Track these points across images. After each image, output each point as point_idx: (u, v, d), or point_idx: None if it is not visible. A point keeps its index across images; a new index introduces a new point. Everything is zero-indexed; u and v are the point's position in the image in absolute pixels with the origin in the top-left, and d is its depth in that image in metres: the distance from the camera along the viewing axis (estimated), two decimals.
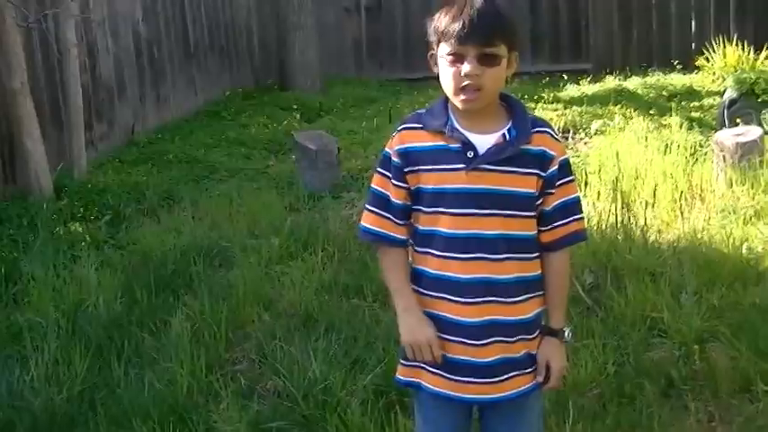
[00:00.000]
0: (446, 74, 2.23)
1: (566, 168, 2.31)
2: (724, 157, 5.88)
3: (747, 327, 3.82)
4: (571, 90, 9.92)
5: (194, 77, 10.08)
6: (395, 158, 2.31)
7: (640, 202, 5.41)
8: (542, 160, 2.26)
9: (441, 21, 2.22)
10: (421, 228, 2.31)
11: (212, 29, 10.63)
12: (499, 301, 2.26)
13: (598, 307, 4.21)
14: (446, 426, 2.39)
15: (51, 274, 4.70)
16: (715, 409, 3.41)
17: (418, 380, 2.36)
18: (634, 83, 9.97)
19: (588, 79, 10.49)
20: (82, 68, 7.13)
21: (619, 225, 4.99)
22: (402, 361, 2.40)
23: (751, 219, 5.17)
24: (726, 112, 7.42)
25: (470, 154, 2.23)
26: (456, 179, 2.23)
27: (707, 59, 9.54)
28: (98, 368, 3.87)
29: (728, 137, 6.03)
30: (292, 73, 11.03)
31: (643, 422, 3.30)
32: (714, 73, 9.43)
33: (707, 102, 8.88)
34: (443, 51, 2.22)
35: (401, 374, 2.41)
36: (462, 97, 2.21)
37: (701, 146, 6.87)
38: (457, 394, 2.31)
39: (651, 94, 9.44)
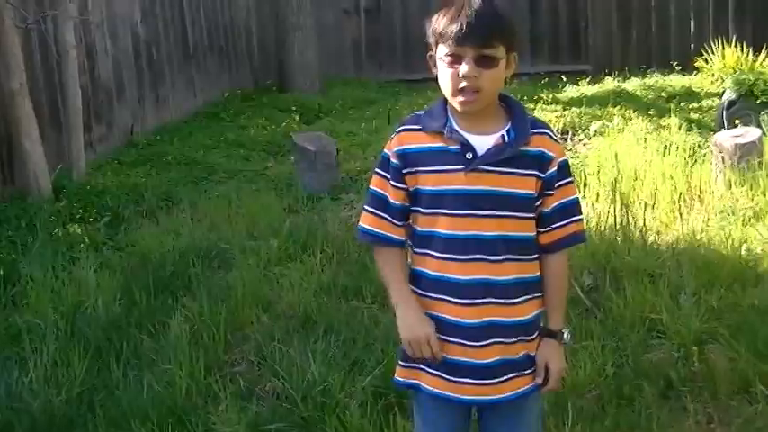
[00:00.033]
0: (444, 75, 2.23)
1: (565, 170, 2.31)
2: (723, 158, 5.88)
3: (746, 328, 3.82)
4: (570, 91, 9.92)
5: (193, 79, 10.07)
6: (393, 160, 2.31)
7: (639, 204, 5.42)
8: (541, 161, 2.26)
9: (439, 22, 2.22)
10: (420, 229, 2.31)
11: (211, 30, 10.63)
12: (498, 303, 2.26)
13: (597, 308, 4.21)
14: (445, 427, 2.39)
15: (50, 276, 4.70)
16: (714, 411, 3.41)
17: (417, 381, 2.36)
18: (633, 84, 9.97)
19: (587, 80, 10.49)
20: (81, 70, 7.13)
21: (618, 226, 4.99)
22: (401, 362, 2.40)
23: (750, 220, 5.17)
24: (725, 113, 7.43)
25: (469, 155, 2.23)
26: (455, 180, 2.23)
27: (706, 61, 9.54)
28: (97, 370, 3.87)
29: (727, 138, 6.03)
30: (291, 74, 11.03)
31: (642, 423, 3.30)
32: (713, 74, 9.43)
33: (706, 103, 8.88)
34: (441, 53, 2.23)
35: (400, 376, 2.41)
36: (460, 99, 2.21)
37: (699, 147, 6.88)
38: (456, 395, 2.31)
39: (650, 96, 9.44)
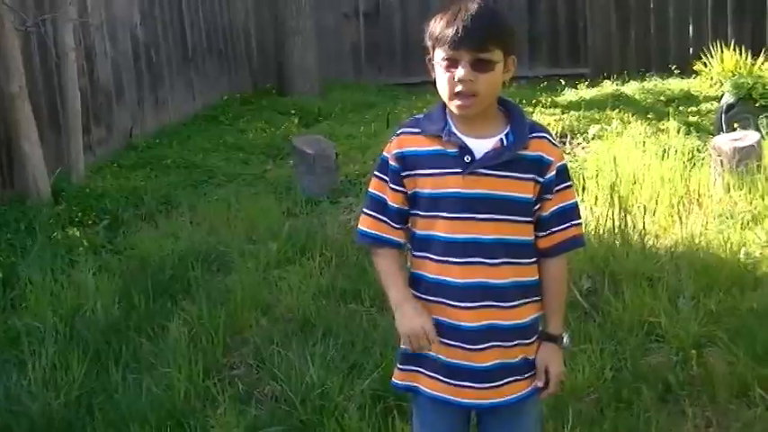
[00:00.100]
0: (441, 79, 2.24)
1: (563, 174, 2.31)
2: (721, 161, 5.89)
3: (745, 332, 3.82)
4: (569, 95, 9.94)
5: (192, 81, 10.07)
6: (392, 162, 2.31)
7: (638, 207, 5.42)
8: (540, 166, 2.26)
9: (436, 26, 2.23)
10: (418, 232, 2.31)
11: (210, 32, 10.64)
12: (496, 306, 2.26)
13: (595, 312, 4.21)
14: (444, 430, 2.40)
15: (49, 279, 4.69)
16: (712, 415, 3.41)
17: (416, 384, 2.36)
18: (632, 88, 9.99)
19: (586, 84, 10.51)
20: (80, 72, 7.13)
21: (616, 230, 5.00)
22: (399, 365, 2.40)
23: (748, 224, 5.18)
24: (723, 116, 7.43)
25: (467, 158, 2.23)
26: (453, 183, 2.24)
27: (705, 64, 9.55)
28: (96, 373, 3.87)
29: (726, 142, 6.03)
30: (291, 77, 11.03)
31: (640, 427, 3.30)
32: (712, 78, 9.44)
33: (704, 107, 8.89)
34: (438, 56, 2.23)
35: (398, 379, 2.41)
36: (457, 102, 2.22)
37: (698, 151, 6.89)
38: (455, 398, 2.31)
39: (649, 99, 9.45)
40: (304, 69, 11.01)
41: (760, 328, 3.83)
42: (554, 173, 2.28)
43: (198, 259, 4.97)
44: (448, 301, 2.27)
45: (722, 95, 7.84)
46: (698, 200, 5.64)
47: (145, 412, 3.46)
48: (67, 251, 5.26)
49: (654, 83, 10.17)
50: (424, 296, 2.30)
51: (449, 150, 2.25)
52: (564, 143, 7.64)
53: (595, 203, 5.64)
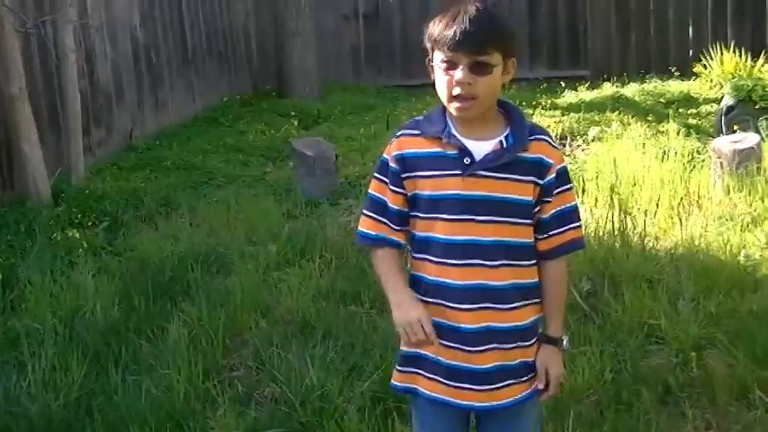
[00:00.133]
0: (440, 81, 2.24)
1: (563, 176, 2.31)
2: (721, 164, 5.89)
3: (745, 334, 3.82)
4: (569, 96, 9.94)
5: (192, 83, 10.08)
6: (392, 164, 2.31)
7: (638, 209, 5.42)
8: (540, 168, 2.26)
9: (435, 28, 2.23)
10: (418, 234, 2.31)
11: (210, 34, 10.64)
12: (495, 308, 2.26)
13: (595, 314, 4.21)
14: (443, 431, 2.39)
15: (48, 281, 4.70)
16: (712, 417, 3.41)
17: (415, 386, 2.36)
18: (632, 89, 9.98)
19: (586, 86, 10.51)
20: (80, 74, 7.13)
21: (616, 232, 5.00)
22: (398, 367, 2.40)
23: (748, 226, 5.18)
24: (723, 119, 7.43)
25: (467, 160, 2.23)
26: (452, 185, 2.24)
27: (704, 66, 9.56)
28: (95, 374, 3.87)
29: (726, 144, 6.03)
30: (291, 79, 11.03)
31: (640, 429, 3.30)
32: (711, 80, 9.46)
33: (704, 109, 8.89)
34: (437, 59, 2.23)
35: (397, 380, 2.41)
36: (456, 105, 2.22)
37: (698, 153, 6.89)
38: (454, 400, 2.31)
39: (649, 101, 9.45)
40: (304, 71, 11.01)
41: (760, 330, 3.83)
42: (554, 175, 2.28)
43: (198, 261, 4.97)
44: (447, 303, 2.27)
45: (722, 97, 7.84)
46: (698, 202, 5.64)
47: (144, 414, 3.46)
48: (67, 252, 5.26)
49: (654, 85, 10.16)
50: (423, 298, 2.30)
51: (448, 152, 2.25)
52: (564, 145, 7.63)
53: (595, 205, 5.64)
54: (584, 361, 3.66)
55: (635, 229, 5.05)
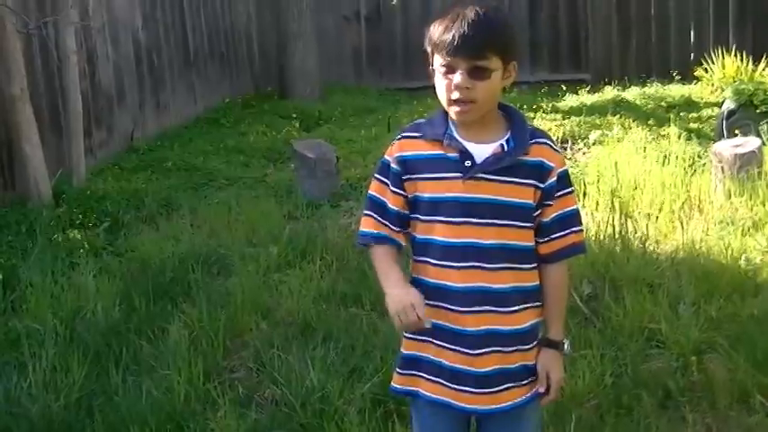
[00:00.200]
0: (440, 85, 2.25)
1: (565, 180, 2.31)
2: (722, 168, 5.89)
3: (745, 338, 3.82)
4: (570, 100, 9.94)
5: (194, 84, 10.08)
6: (394, 165, 2.32)
7: (639, 213, 5.42)
8: (541, 171, 2.26)
9: (435, 32, 2.23)
10: (418, 236, 2.32)
11: (212, 36, 10.64)
12: (495, 311, 2.26)
13: (596, 318, 4.21)
14: None
15: (49, 281, 4.70)
16: (712, 421, 3.41)
17: (415, 388, 2.36)
18: (633, 93, 9.98)
19: (587, 89, 10.51)
20: (81, 75, 7.14)
21: (617, 236, 5.00)
22: (398, 369, 2.40)
23: (749, 230, 5.18)
24: (724, 123, 7.43)
25: (468, 163, 2.24)
26: (453, 188, 2.24)
27: (706, 70, 9.56)
28: (96, 375, 3.87)
29: (727, 148, 6.03)
30: (292, 80, 11.04)
31: None
32: (713, 84, 9.45)
33: (705, 113, 8.89)
34: (437, 63, 2.24)
35: (397, 383, 2.41)
36: (455, 109, 2.23)
37: (699, 157, 6.88)
38: (455, 402, 2.31)
39: (650, 105, 9.45)
40: (305, 73, 11.01)
41: (760, 334, 3.83)
42: (555, 179, 2.28)
43: (198, 262, 4.97)
44: (448, 306, 2.27)
45: (723, 101, 7.84)
46: (698, 206, 5.64)
47: (145, 415, 3.46)
48: (68, 253, 5.27)
49: (655, 89, 10.16)
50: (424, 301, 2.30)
51: (449, 155, 2.26)
52: (565, 148, 7.64)
53: (596, 209, 5.64)
54: (584, 365, 3.66)
55: (636, 232, 5.05)
